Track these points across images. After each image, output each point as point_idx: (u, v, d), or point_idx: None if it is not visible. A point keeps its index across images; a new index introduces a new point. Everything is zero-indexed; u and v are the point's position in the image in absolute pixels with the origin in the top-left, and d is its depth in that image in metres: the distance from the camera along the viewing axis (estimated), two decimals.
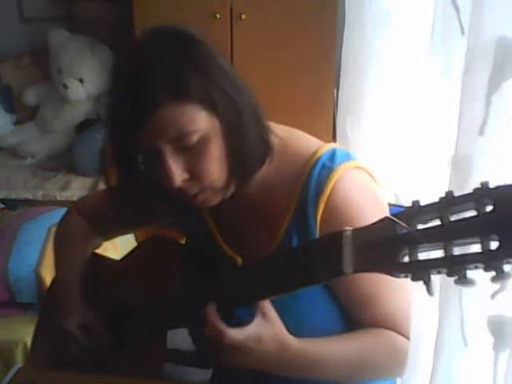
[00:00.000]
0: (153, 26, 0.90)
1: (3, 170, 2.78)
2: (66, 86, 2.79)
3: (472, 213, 0.57)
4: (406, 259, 0.63)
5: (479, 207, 0.56)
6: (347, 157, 0.95)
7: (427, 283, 0.60)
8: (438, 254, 0.60)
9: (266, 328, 0.85)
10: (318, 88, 2.53)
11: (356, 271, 0.69)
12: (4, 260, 2.00)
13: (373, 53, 1.53)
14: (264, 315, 0.85)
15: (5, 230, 2.15)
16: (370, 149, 1.61)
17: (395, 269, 0.63)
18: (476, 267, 0.56)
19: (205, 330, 0.86)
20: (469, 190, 0.57)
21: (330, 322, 0.98)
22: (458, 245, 0.58)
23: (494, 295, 0.59)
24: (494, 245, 0.55)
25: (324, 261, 0.73)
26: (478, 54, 0.68)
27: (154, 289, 1.05)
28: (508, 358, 0.60)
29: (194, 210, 0.97)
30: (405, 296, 0.94)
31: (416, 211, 0.62)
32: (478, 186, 0.56)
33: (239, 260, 1.03)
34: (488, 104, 0.65)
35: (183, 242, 1.21)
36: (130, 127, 0.86)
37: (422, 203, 0.62)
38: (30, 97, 2.98)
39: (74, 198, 2.58)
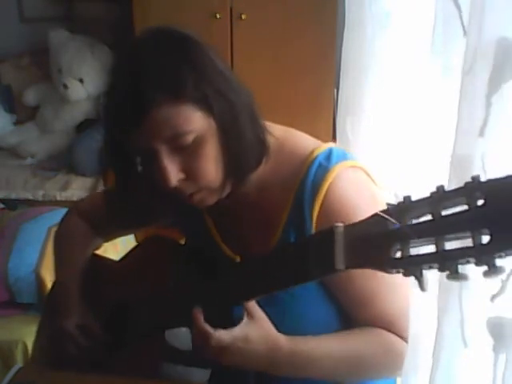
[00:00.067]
0: (151, 26, 0.91)
1: (3, 170, 2.78)
2: (65, 86, 2.79)
3: (463, 207, 0.57)
4: (398, 255, 0.63)
5: (470, 201, 0.56)
6: (344, 156, 0.95)
7: (419, 278, 0.60)
8: (430, 249, 0.60)
9: (253, 328, 0.86)
10: (318, 88, 2.53)
11: (348, 267, 0.69)
12: (4, 260, 2.00)
13: (373, 53, 1.53)
14: (251, 315, 0.86)
15: (5, 230, 2.15)
16: (369, 149, 1.60)
17: (387, 264, 0.63)
18: (467, 262, 0.56)
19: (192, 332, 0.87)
20: None
21: (328, 321, 0.98)
22: (450, 239, 0.58)
23: (493, 298, 0.59)
24: (485, 239, 0.55)
25: (316, 257, 0.73)
26: (478, 55, 0.68)
27: (153, 288, 1.05)
28: (507, 360, 0.60)
29: (194, 209, 0.97)
30: (402, 297, 0.94)
31: (407, 206, 0.62)
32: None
33: (238, 260, 1.03)
34: (488, 105, 0.65)
35: (183, 242, 1.21)
36: (125, 127, 0.86)
37: (414, 198, 0.62)
38: (30, 97, 2.98)
39: (74, 198, 2.58)
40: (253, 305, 0.86)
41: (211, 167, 0.88)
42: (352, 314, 0.96)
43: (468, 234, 0.56)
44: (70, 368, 1.13)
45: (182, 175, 0.88)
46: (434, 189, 0.59)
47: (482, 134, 0.65)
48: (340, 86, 1.74)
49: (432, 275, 0.79)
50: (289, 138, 0.99)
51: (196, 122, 0.85)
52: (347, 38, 1.66)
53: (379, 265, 0.65)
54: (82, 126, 2.85)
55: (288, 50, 2.52)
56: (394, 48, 1.46)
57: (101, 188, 2.54)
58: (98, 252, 1.29)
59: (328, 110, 2.52)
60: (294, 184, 0.94)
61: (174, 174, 0.87)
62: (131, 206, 1.02)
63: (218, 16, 2.50)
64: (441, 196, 0.59)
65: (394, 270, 0.63)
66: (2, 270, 1.98)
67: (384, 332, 0.93)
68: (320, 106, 2.54)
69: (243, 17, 2.50)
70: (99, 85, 2.73)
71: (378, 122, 1.58)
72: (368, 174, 0.97)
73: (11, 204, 2.64)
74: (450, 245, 0.58)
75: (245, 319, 0.86)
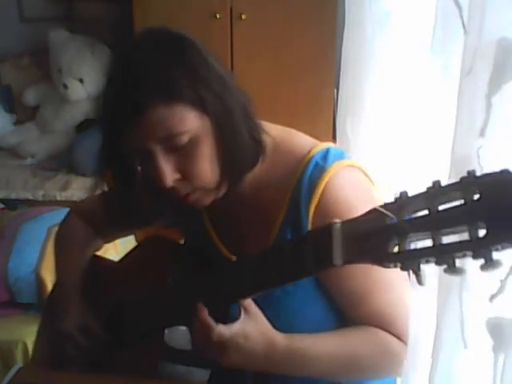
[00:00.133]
0: (148, 27, 0.92)
1: (3, 170, 2.78)
2: (66, 86, 2.79)
3: (460, 202, 0.58)
4: (396, 249, 0.63)
5: (466, 196, 0.57)
6: (341, 156, 0.95)
7: (417, 273, 0.61)
8: (427, 243, 0.60)
9: (251, 325, 0.86)
10: (318, 88, 2.53)
11: (346, 262, 0.70)
12: (4, 260, 2.00)
13: (373, 53, 1.53)
14: (248, 312, 0.86)
15: (5, 230, 2.15)
16: (369, 149, 1.60)
17: (384, 259, 0.64)
18: (464, 255, 0.57)
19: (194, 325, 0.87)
20: None
21: (324, 320, 0.98)
22: (447, 233, 0.59)
23: (492, 298, 0.59)
24: (481, 233, 0.56)
25: (314, 253, 0.74)
26: (478, 55, 0.68)
27: (153, 288, 1.05)
28: (507, 360, 0.60)
29: (193, 210, 0.98)
30: (399, 297, 0.94)
31: (404, 202, 0.63)
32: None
33: (234, 259, 1.03)
34: (488, 105, 0.65)
35: (182, 242, 1.21)
36: (121, 127, 0.87)
37: (410, 194, 0.63)
38: (30, 97, 2.98)
39: (74, 198, 2.58)
40: (249, 302, 0.87)
41: (206, 167, 0.89)
42: (347, 313, 0.96)
43: (464, 227, 0.57)
44: (70, 368, 1.13)
45: (177, 175, 0.88)
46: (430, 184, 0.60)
47: (482, 134, 0.65)
48: (340, 85, 1.74)
49: (432, 275, 0.79)
50: (286, 137, 1.00)
51: (191, 122, 0.86)
52: (347, 37, 1.66)
53: (377, 259, 0.65)
54: (82, 126, 2.85)
55: (288, 50, 2.52)
56: (394, 48, 1.46)
57: (101, 188, 2.54)
58: (99, 252, 1.29)
59: (328, 110, 2.53)
60: (291, 183, 0.94)
61: (169, 174, 0.87)
62: (129, 207, 1.02)
63: (217, 16, 2.50)
64: (437, 191, 0.60)
65: (392, 265, 0.63)
66: (1, 270, 1.98)
67: (380, 331, 0.93)
68: (320, 106, 2.54)
69: (243, 17, 2.50)
70: (99, 85, 2.73)
71: (377, 121, 1.57)
72: (366, 174, 0.97)
73: (11, 204, 2.64)
74: (447, 239, 0.59)
75: (242, 316, 0.86)
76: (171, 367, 1.08)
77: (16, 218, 2.23)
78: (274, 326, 0.88)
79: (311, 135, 1.01)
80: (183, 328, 1.04)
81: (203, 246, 1.08)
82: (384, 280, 0.93)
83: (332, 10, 2.41)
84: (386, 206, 0.65)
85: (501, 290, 0.58)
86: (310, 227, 0.92)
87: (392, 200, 0.64)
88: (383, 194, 0.99)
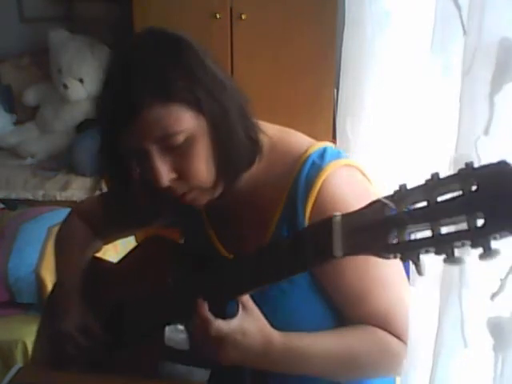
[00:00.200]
0: (146, 27, 0.93)
1: (3, 169, 2.78)
2: (66, 86, 2.79)
3: (458, 193, 0.59)
4: (395, 241, 0.64)
5: (464, 187, 0.58)
6: (338, 155, 0.95)
7: (416, 263, 0.62)
8: (426, 234, 0.61)
9: (249, 321, 0.86)
10: (318, 88, 2.53)
11: (346, 254, 0.70)
12: (4, 260, 2.00)
13: (373, 53, 1.53)
14: (246, 309, 0.86)
15: (5, 230, 2.15)
16: (370, 149, 1.60)
17: (384, 250, 0.65)
18: (463, 245, 0.58)
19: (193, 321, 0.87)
20: None
21: (322, 319, 0.98)
22: (445, 224, 0.60)
23: (493, 296, 0.59)
24: (479, 223, 0.57)
25: (315, 245, 0.75)
26: (478, 55, 0.68)
27: (152, 288, 1.05)
28: (507, 359, 0.60)
29: (192, 210, 0.98)
30: (400, 296, 0.94)
31: (403, 194, 0.64)
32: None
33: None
34: (489, 105, 0.65)
35: (182, 241, 1.21)
36: (117, 127, 0.87)
37: (409, 186, 0.64)
38: (30, 97, 2.98)
39: (74, 198, 2.58)
40: (247, 299, 0.87)
41: (202, 167, 0.89)
42: (346, 312, 0.96)
43: (463, 217, 0.58)
44: (70, 368, 1.13)
45: (173, 175, 0.89)
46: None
47: (484, 133, 0.65)
48: (340, 85, 1.74)
49: (432, 275, 0.79)
50: (283, 136, 1.00)
51: (186, 122, 0.86)
52: (347, 37, 1.66)
53: (377, 251, 0.66)
54: (82, 126, 2.85)
55: (288, 49, 2.52)
56: (394, 48, 1.46)
57: (101, 188, 2.55)
58: (99, 253, 1.29)
59: (328, 110, 2.53)
60: (288, 182, 0.94)
61: (165, 174, 0.87)
62: (128, 208, 1.02)
63: (217, 16, 2.50)
64: (436, 183, 0.61)
65: (392, 255, 0.64)
66: (1, 270, 1.98)
67: (379, 330, 0.93)
68: (320, 106, 2.54)
69: (243, 17, 2.50)
70: (99, 85, 2.73)
71: (377, 121, 1.57)
72: (363, 173, 0.98)
73: (11, 204, 2.64)
74: (445, 230, 0.60)
75: (240, 312, 0.86)
76: (171, 367, 1.08)
77: (16, 218, 2.23)
78: (272, 325, 0.88)
79: (311, 135, 1.01)
80: (182, 328, 1.04)
81: (202, 245, 1.08)
82: (383, 279, 0.93)
83: (332, 9, 2.41)
84: (385, 198, 0.66)
85: (501, 288, 0.58)
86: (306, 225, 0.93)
87: (391, 193, 0.65)
88: (382, 194, 0.98)
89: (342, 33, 1.68)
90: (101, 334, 1.12)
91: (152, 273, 1.09)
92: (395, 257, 0.64)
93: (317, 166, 0.92)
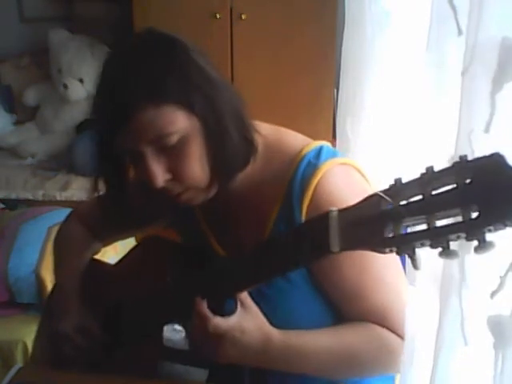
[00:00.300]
0: (141, 28, 0.93)
1: (3, 169, 2.78)
2: (65, 86, 2.79)
3: (453, 186, 0.59)
4: (391, 235, 0.64)
5: (459, 180, 0.58)
6: (333, 154, 0.96)
7: (412, 256, 0.62)
8: (422, 228, 0.61)
9: (248, 318, 0.86)
10: (318, 88, 2.53)
11: (343, 249, 0.71)
12: (4, 260, 2.00)
13: (373, 53, 1.53)
14: (245, 307, 0.87)
15: (5, 230, 2.15)
16: (369, 149, 1.60)
17: (380, 244, 0.65)
18: (458, 237, 0.58)
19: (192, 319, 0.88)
20: None
21: (320, 317, 0.98)
22: (441, 217, 0.60)
23: (492, 295, 0.59)
24: (474, 215, 0.57)
25: (312, 240, 0.75)
26: (477, 54, 0.68)
27: (151, 288, 1.06)
28: (507, 357, 0.60)
29: (189, 211, 0.98)
30: (395, 292, 0.94)
31: (399, 188, 0.64)
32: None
33: None
34: (488, 105, 0.65)
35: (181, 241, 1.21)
36: (111, 129, 0.88)
37: (404, 180, 0.64)
38: (30, 97, 2.98)
39: (74, 198, 2.58)
40: (245, 296, 0.87)
41: (197, 167, 0.89)
42: (343, 309, 0.96)
43: (458, 210, 0.58)
44: (69, 368, 1.13)
45: (168, 176, 0.89)
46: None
47: (484, 132, 0.65)
48: (340, 85, 1.74)
49: (432, 272, 0.79)
50: (278, 136, 1.00)
51: (180, 122, 0.87)
52: (347, 37, 1.66)
53: (373, 245, 0.66)
54: (82, 126, 2.85)
55: (288, 50, 2.52)
56: (394, 48, 1.46)
57: (98, 189, 2.54)
58: (98, 253, 1.29)
59: (328, 109, 2.53)
60: (284, 181, 0.94)
61: (160, 174, 0.88)
62: (125, 210, 1.03)
63: (217, 16, 2.50)
64: (430, 176, 0.61)
65: (388, 249, 0.64)
66: (1, 270, 1.98)
67: (377, 327, 0.93)
68: (320, 106, 2.54)
69: (243, 17, 2.50)
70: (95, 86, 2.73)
71: (377, 121, 1.58)
72: (360, 172, 0.98)
73: (11, 204, 2.64)
74: (441, 223, 0.60)
75: (238, 309, 0.86)
76: (170, 367, 1.09)
77: (16, 218, 2.23)
78: (271, 323, 0.89)
79: (311, 135, 1.01)
80: (181, 328, 1.04)
81: (200, 245, 1.08)
82: (380, 274, 0.93)
83: (332, 9, 2.41)
84: (381, 192, 0.66)
85: (501, 286, 0.58)
86: None
87: (387, 187, 0.66)
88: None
89: (342, 33, 1.69)
90: (100, 335, 1.12)
91: (150, 272, 1.09)
92: (391, 251, 0.64)
93: (313, 164, 0.93)
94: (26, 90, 2.97)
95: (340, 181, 0.93)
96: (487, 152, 0.68)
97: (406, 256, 0.63)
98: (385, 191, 0.66)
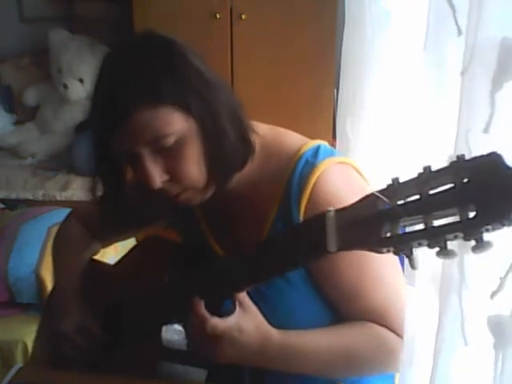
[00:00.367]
0: (138, 30, 0.92)
1: (3, 169, 2.78)
2: (65, 86, 2.79)
3: (450, 186, 0.59)
4: (388, 234, 0.64)
5: (456, 179, 0.58)
6: (331, 153, 0.96)
7: (409, 256, 0.62)
8: (419, 227, 0.61)
9: (246, 319, 0.87)
10: (318, 88, 2.53)
11: (340, 249, 0.71)
12: (4, 260, 2.00)
13: (373, 53, 1.53)
14: (243, 307, 0.87)
15: (5, 230, 2.15)
16: (369, 148, 1.60)
17: (377, 244, 0.65)
18: (456, 237, 0.58)
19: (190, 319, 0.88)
20: None
21: (319, 317, 0.98)
22: (438, 217, 0.60)
23: (493, 295, 0.59)
24: (472, 215, 0.57)
25: (309, 240, 0.75)
26: (478, 54, 0.68)
27: (150, 288, 1.06)
28: (508, 358, 0.60)
29: (188, 211, 0.98)
30: (396, 291, 0.94)
31: (396, 188, 0.64)
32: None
33: None
34: (488, 104, 0.65)
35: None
36: (108, 131, 0.88)
37: (402, 180, 0.64)
38: (30, 97, 2.98)
39: (74, 198, 2.58)
40: (244, 296, 0.87)
41: (194, 168, 0.90)
42: (342, 308, 0.96)
43: (455, 210, 0.58)
44: (69, 368, 1.13)
45: (165, 177, 0.89)
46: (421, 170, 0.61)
47: (484, 131, 0.65)
48: (340, 85, 1.74)
49: (432, 273, 0.79)
50: (276, 136, 1.01)
51: (176, 124, 0.87)
52: (347, 37, 1.66)
53: (370, 245, 0.66)
54: (82, 126, 2.85)
55: (288, 49, 2.52)
56: (394, 48, 1.46)
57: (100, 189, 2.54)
58: (99, 253, 1.29)
59: (328, 109, 2.53)
60: (282, 180, 0.95)
61: (157, 175, 0.88)
62: (123, 211, 1.03)
63: (217, 16, 2.50)
64: (428, 176, 0.61)
65: (385, 249, 0.64)
66: (1, 270, 1.98)
67: (376, 326, 0.93)
68: (320, 106, 2.54)
69: (243, 17, 2.50)
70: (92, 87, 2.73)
71: (377, 121, 1.57)
72: (358, 171, 0.98)
73: (11, 204, 2.64)
74: (438, 223, 0.60)
75: (237, 310, 0.87)
76: (169, 367, 1.09)
77: (16, 218, 2.23)
78: (270, 324, 0.89)
79: (311, 135, 1.02)
80: (180, 328, 1.04)
81: (199, 245, 1.08)
82: (378, 273, 0.93)
83: (332, 9, 2.41)
84: (378, 192, 0.66)
85: (501, 287, 0.58)
86: None
87: (384, 187, 0.66)
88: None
89: (342, 33, 1.68)
90: (100, 335, 1.12)
91: (150, 272, 1.09)
92: (388, 251, 0.64)
93: (310, 163, 0.93)
94: (25, 90, 2.97)
95: (338, 179, 0.93)
96: (488, 151, 0.68)
97: (404, 256, 0.63)
98: (382, 191, 0.66)
